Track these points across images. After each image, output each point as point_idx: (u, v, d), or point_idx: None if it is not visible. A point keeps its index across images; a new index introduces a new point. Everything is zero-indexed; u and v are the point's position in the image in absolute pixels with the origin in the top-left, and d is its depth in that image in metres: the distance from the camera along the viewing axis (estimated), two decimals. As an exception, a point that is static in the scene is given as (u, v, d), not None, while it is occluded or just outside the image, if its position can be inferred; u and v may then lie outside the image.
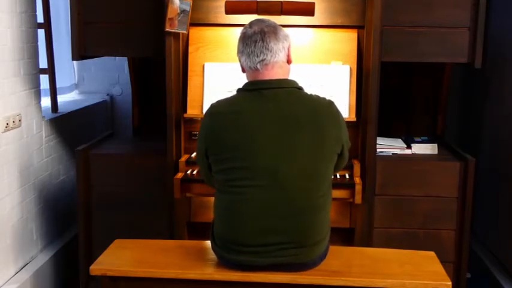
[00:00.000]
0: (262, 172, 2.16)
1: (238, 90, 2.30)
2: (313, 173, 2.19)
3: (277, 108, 2.19)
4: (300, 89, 2.28)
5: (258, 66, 2.23)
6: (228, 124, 2.21)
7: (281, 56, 2.25)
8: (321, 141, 2.19)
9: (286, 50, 2.28)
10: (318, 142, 2.18)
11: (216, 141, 2.23)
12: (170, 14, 2.86)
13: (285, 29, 2.32)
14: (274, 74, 2.24)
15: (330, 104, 2.27)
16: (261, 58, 2.22)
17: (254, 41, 2.22)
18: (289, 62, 2.31)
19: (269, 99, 2.20)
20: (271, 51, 2.22)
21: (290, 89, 2.25)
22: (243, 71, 2.32)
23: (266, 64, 2.23)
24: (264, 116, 2.18)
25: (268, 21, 2.29)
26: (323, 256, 2.31)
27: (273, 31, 2.24)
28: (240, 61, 2.30)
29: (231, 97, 2.30)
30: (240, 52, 2.28)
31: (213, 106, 2.30)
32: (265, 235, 2.18)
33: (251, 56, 2.23)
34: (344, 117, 2.35)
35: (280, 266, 2.23)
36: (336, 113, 2.26)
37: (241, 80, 3.00)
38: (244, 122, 2.18)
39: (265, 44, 2.22)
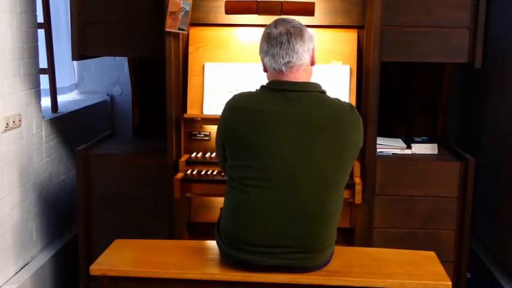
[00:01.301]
0: (278, 174, 2.14)
1: (262, 87, 2.24)
2: (330, 179, 2.17)
3: (299, 112, 2.15)
4: (323, 92, 2.23)
5: (283, 68, 2.19)
6: (248, 121, 2.16)
7: (306, 59, 2.21)
8: (340, 148, 2.16)
9: (311, 52, 2.24)
10: (337, 148, 2.15)
11: (234, 136, 2.20)
12: (173, 7, 2.85)
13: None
14: (299, 76, 2.21)
15: (352, 109, 2.23)
16: (286, 60, 2.18)
17: (280, 42, 2.18)
18: (313, 63, 2.27)
19: (293, 101, 2.16)
20: (297, 54, 2.18)
21: (314, 92, 2.20)
22: (265, 70, 2.28)
23: (291, 67, 2.19)
24: (285, 118, 2.14)
25: (293, 21, 2.24)
26: (327, 261, 2.30)
27: (299, 32, 2.19)
28: (263, 61, 2.26)
29: (254, 93, 2.24)
30: (264, 52, 2.23)
31: (234, 99, 2.25)
32: (273, 237, 2.17)
33: (276, 58, 2.18)
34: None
35: (284, 268, 2.22)
36: (357, 118, 2.22)
37: (242, 80, 3.03)
38: (265, 122, 2.14)
39: (291, 45, 2.17)
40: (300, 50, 2.18)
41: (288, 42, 2.17)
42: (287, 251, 2.18)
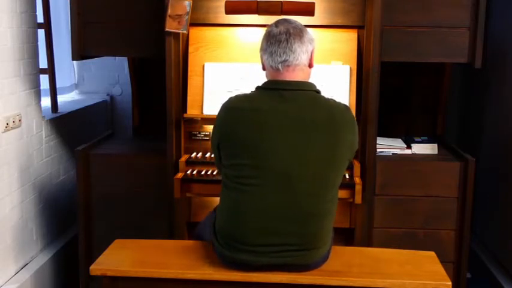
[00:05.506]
0: (273, 173, 2.15)
1: (257, 88, 2.27)
2: (324, 178, 2.18)
3: (294, 110, 2.17)
4: (318, 92, 2.26)
5: (280, 66, 2.22)
6: (243, 120, 2.19)
7: (303, 59, 2.23)
8: (335, 147, 2.17)
9: (309, 54, 2.26)
10: (332, 147, 2.17)
11: (229, 136, 2.21)
12: (179, 10, 2.85)
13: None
14: (295, 76, 2.23)
15: (347, 109, 2.25)
16: (283, 58, 2.21)
17: (278, 41, 2.21)
18: (310, 65, 2.29)
19: (288, 100, 2.18)
20: (294, 53, 2.20)
21: (309, 92, 2.23)
22: (264, 68, 2.31)
23: (288, 66, 2.22)
24: (280, 117, 2.16)
25: (295, 22, 2.28)
26: (325, 258, 2.30)
27: (298, 33, 2.23)
28: (261, 59, 2.29)
29: (250, 94, 2.28)
30: (263, 50, 2.26)
31: (230, 101, 2.28)
32: (267, 235, 2.18)
33: (273, 56, 2.22)
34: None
35: (280, 266, 2.22)
36: (352, 119, 2.25)
37: (242, 80, 3.03)
38: (260, 120, 2.16)
39: (289, 45, 2.20)
40: (297, 49, 2.21)
41: (287, 41, 2.20)
42: (284, 249, 2.19)
